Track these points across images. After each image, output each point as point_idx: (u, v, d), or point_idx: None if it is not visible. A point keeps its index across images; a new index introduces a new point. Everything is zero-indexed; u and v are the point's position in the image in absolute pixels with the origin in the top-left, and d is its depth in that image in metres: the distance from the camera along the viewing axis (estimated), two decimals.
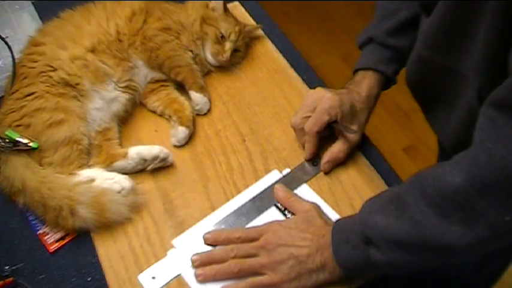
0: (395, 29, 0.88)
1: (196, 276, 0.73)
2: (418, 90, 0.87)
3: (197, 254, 0.75)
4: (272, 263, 0.69)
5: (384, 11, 0.91)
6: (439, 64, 0.74)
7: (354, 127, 0.84)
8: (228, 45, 0.99)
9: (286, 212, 0.80)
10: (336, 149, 0.85)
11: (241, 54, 1.03)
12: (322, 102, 0.83)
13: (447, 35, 0.69)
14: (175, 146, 0.91)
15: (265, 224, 0.75)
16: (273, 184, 0.84)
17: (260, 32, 1.09)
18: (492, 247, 0.62)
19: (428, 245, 0.60)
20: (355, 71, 0.91)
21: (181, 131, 0.90)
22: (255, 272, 0.71)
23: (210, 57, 1.00)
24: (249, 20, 1.12)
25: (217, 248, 0.75)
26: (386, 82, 0.90)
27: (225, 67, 1.02)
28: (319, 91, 0.85)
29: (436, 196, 0.59)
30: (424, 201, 0.60)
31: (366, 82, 0.88)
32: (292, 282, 0.69)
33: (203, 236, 0.77)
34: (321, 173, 0.86)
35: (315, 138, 0.84)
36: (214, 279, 0.72)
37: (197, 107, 0.95)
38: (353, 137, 0.84)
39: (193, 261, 0.74)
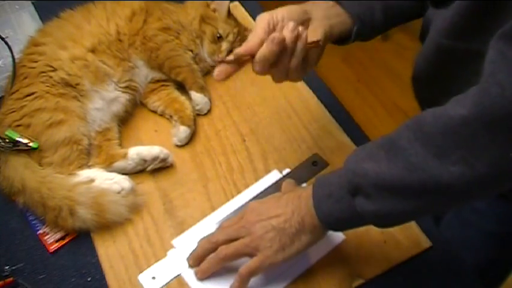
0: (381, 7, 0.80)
1: (195, 275, 0.73)
2: (431, 84, 0.79)
3: (190, 253, 0.75)
4: (254, 241, 0.68)
5: None
6: (463, 50, 0.69)
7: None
8: (224, 46, 0.99)
9: None
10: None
11: None
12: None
13: (473, 18, 0.64)
14: (175, 146, 0.91)
15: (244, 206, 0.74)
16: (273, 184, 0.84)
17: None
18: (492, 189, 0.59)
19: (424, 188, 0.57)
20: None
21: (183, 131, 0.90)
22: (242, 254, 0.70)
23: (206, 57, 1.00)
24: (249, 20, 1.12)
25: (201, 239, 0.75)
26: (347, 33, 0.79)
27: None
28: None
29: (435, 134, 0.56)
30: (420, 141, 0.57)
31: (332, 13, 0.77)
32: (277, 254, 0.67)
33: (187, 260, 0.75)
34: (321, 173, 0.86)
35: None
36: (209, 271, 0.72)
37: (197, 107, 0.95)
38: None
39: (188, 262, 0.74)
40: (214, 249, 0.72)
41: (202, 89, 0.96)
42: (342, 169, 0.65)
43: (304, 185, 0.84)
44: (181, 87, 0.98)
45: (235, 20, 1.02)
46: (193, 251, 0.74)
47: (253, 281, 0.71)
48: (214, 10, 1.01)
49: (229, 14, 1.01)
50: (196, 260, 0.74)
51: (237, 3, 1.16)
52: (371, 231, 0.73)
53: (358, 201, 0.62)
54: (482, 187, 0.58)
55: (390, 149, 0.60)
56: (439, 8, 0.72)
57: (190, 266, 0.74)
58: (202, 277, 0.73)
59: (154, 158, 0.85)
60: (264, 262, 0.68)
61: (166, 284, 0.74)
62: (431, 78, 0.77)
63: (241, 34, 1.01)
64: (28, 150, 0.82)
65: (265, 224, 0.68)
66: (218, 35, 0.99)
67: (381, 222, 0.64)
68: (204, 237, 0.74)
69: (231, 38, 0.99)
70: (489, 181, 0.56)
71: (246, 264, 0.69)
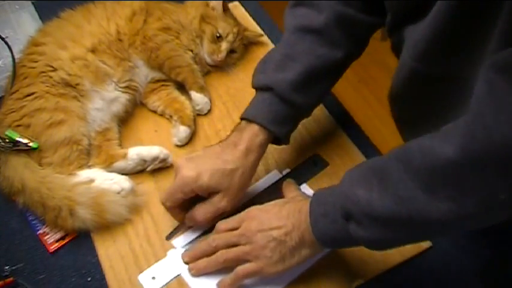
0: (302, 81, 0.76)
1: (189, 270, 0.73)
2: (407, 106, 0.75)
3: (186, 250, 0.75)
4: (255, 250, 0.69)
5: (289, 49, 0.77)
6: (439, 75, 0.64)
7: (219, 195, 0.74)
8: (224, 45, 0.99)
9: None
10: (197, 211, 0.75)
11: (237, 55, 1.03)
12: (177, 178, 0.74)
13: (451, 40, 0.59)
14: (175, 146, 0.91)
15: (245, 211, 0.74)
16: (273, 184, 0.84)
17: (264, 39, 1.08)
18: (482, 224, 0.59)
19: (413, 222, 0.58)
20: (243, 118, 0.78)
21: (183, 130, 0.90)
22: (241, 260, 0.70)
23: (205, 56, 1.00)
24: (249, 20, 1.12)
25: (201, 240, 0.75)
26: (276, 141, 0.80)
27: (221, 67, 1.02)
28: (180, 163, 0.74)
29: (423, 170, 0.55)
30: (410, 175, 0.56)
31: (249, 137, 0.75)
32: (277, 265, 0.68)
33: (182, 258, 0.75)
34: (321, 173, 0.86)
35: (175, 210, 0.77)
36: (205, 271, 0.73)
37: (198, 107, 0.95)
38: (218, 201, 0.74)
39: (183, 258, 0.75)
40: (212, 252, 0.72)
41: (202, 89, 0.96)
42: (337, 187, 0.66)
43: (304, 185, 0.84)
44: (182, 87, 0.98)
45: (234, 19, 1.02)
46: (190, 249, 0.75)
47: (252, 281, 0.72)
48: (213, 9, 1.01)
49: (227, 12, 1.01)
50: (192, 259, 0.74)
51: (237, 3, 1.16)
52: None
53: (352, 226, 0.63)
54: (471, 223, 0.58)
55: (382, 179, 0.60)
56: (408, 24, 0.66)
57: (185, 262, 0.74)
58: (196, 274, 0.73)
59: (154, 158, 0.85)
60: (263, 270, 0.69)
61: (166, 284, 0.74)
62: (407, 100, 0.73)
63: (241, 34, 1.01)
64: (28, 150, 0.82)
65: (267, 234, 0.69)
66: (218, 35, 0.99)
67: (375, 247, 0.65)
68: (203, 239, 0.75)
69: (230, 38, 0.99)
70: (478, 218, 0.56)
71: (244, 265, 0.70)
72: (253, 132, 0.76)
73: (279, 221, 0.69)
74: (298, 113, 0.79)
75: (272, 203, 0.74)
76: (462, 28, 0.57)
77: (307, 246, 0.68)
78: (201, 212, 0.75)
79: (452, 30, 0.58)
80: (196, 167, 0.73)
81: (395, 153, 0.60)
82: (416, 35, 0.62)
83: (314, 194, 0.69)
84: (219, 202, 0.74)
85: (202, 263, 0.73)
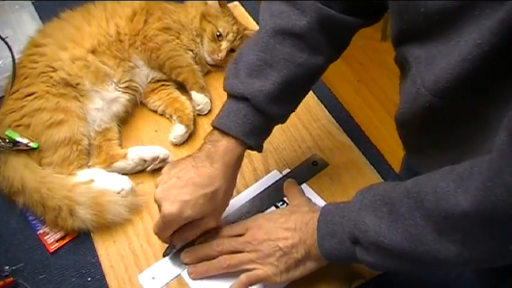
0: (280, 92, 0.70)
1: (189, 273, 0.73)
2: (418, 134, 0.70)
3: (186, 250, 0.75)
4: (260, 258, 0.69)
5: (267, 53, 0.71)
6: (457, 110, 0.58)
7: (206, 218, 0.72)
8: (224, 44, 0.99)
9: None
10: (187, 233, 0.73)
11: None
12: (160, 216, 0.70)
13: (477, 81, 0.53)
14: (175, 146, 0.91)
15: (251, 219, 0.74)
16: (273, 184, 0.84)
17: None
18: (487, 266, 0.60)
19: (419, 257, 0.58)
20: (216, 128, 0.73)
21: (180, 129, 0.90)
22: (245, 267, 0.70)
23: (205, 55, 1.00)
24: (249, 20, 1.12)
25: (205, 243, 0.75)
26: (250, 149, 0.76)
27: (222, 66, 1.02)
28: (158, 195, 0.70)
29: (435, 212, 0.55)
30: (421, 213, 0.56)
31: (225, 152, 0.71)
32: (282, 275, 0.69)
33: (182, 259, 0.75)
34: (321, 173, 0.86)
35: (168, 239, 0.74)
36: (204, 275, 0.73)
37: (198, 107, 0.95)
38: (206, 223, 0.72)
39: (182, 258, 0.75)
40: (215, 257, 0.72)
41: (203, 89, 0.96)
42: (347, 208, 0.64)
43: (304, 185, 0.84)
44: (182, 87, 0.98)
45: (234, 18, 1.02)
46: (192, 249, 0.75)
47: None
48: (211, 7, 1.01)
49: (226, 10, 1.01)
50: (193, 259, 0.74)
51: (237, 3, 1.16)
52: None
53: (358, 250, 0.63)
54: (479, 266, 0.59)
55: (392, 211, 0.59)
56: (413, 43, 0.60)
57: (185, 263, 0.74)
58: (195, 278, 0.73)
59: (154, 158, 0.85)
60: (267, 278, 0.69)
61: (166, 284, 0.74)
62: (418, 128, 0.67)
63: (241, 33, 1.02)
64: (28, 150, 0.82)
65: (273, 244, 0.69)
66: (218, 33, 0.99)
67: (380, 270, 0.66)
68: (205, 240, 0.75)
69: (230, 37, 0.99)
70: (486, 263, 0.57)
71: (249, 273, 0.70)
72: (228, 146, 0.71)
73: (286, 232, 0.69)
74: (273, 122, 0.76)
75: (278, 211, 0.74)
76: (494, 69, 0.52)
77: (313, 259, 0.68)
78: (192, 233, 0.73)
79: (484, 72, 0.52)
80: (176, 200, 0.68)
81: (406, 188, 0.59)
82: (438, 70, 0.56)
83: (322, 211, 0.69)
84: (207, 223, 0.72)
85: (202, 267, 0.72)
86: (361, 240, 0.62)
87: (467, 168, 0.53)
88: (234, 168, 0.73)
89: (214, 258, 0.72)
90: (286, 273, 0.69)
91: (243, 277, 0.69)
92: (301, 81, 0.73)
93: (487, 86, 0.54)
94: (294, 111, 0.77)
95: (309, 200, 0.78)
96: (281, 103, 0.72)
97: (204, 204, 0.69)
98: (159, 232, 0.72)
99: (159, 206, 0.70)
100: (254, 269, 0.69)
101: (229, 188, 0.73)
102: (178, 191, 0.69)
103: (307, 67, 0.72)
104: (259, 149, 0.75)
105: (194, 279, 0.73)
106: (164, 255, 0.76)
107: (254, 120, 0.71)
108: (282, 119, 0.76)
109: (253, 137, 0.72)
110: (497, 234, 0.52)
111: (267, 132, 0.76)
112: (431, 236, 0.55)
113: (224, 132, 0.71)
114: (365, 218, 0.61)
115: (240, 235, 0.72)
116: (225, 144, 0.71)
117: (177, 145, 0.91)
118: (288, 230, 0.69)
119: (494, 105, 0.54)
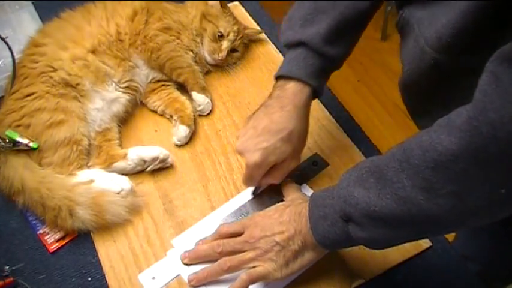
0: (333, 32, 0.76)
1: (189, 281, 0.73)
2: (423, 95, 0.73)
3: (186, 251, 0.75)
4: (259, 255, 0.69)
5: (315, 2, 0.78)
6: (462, 67, 0.62)
7: (287, 160, 0.77)
8: (225, 44, 0.99)
9: None
10: (273, 176, 0.79)
11: (238, 54, 1.03)
12: (246, 166, 0.76)
13: (478, 35, 0.57)
14: (175, 146, 0.91)
15: (248, 218, 0.75)
16: (273, 184, 0.84)
17: (263, 36, 1.08)
18: (484, 219, 0.58)
19: (414, 220, 0.57)
20: (280, 77, 0.79)
21: (183, 130, 0.90)
22: (245, 266, 0.70)
23: (206, 55, 1.00)
24: (249, 20, 1.12)
25: (204, 244, 0.75)
26: (313, 94, 0.80)
27: (222, 66, 1.02)
28: (241, 147, 0.76)
29: (423, 167, 0.54)
30: (406, 173, 0.56)
31: (294, 94, 0.77)
32: (281, 269, 0.69)
33: (181, 257, 0.76)
34: (321, 173, 0.86)
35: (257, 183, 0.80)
36: (206, 281, 0.72)
37: (199, 108, 0.95)
38: (288, 164, 0.78)
39: (182, 259, 0.75)
40: (214, 257, 0.72)
41: (203, 90, 0.96)
42: (335, 188, 0.65)
43: (304, 185, 0.84)
44: (182, 87, 0.98)
45: (234, 17, 1.02)
46: (192, 251, 0.75)
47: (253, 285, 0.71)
48: (212, 7, 1.01)
49: (227, 10, 1.01)
50: (193, 261, 0.74)
51: (237, 3, 1.16)
52: None
53: (351, 228, 0.63)
54: (472, 219, 0.57)
55: (379, 178, 0.59)
56: (424, 6, 0.64)
57: (185, 263, 0.74)
58: (197, 284, 0.72)
59: (154, 159, 0.85)
60: (267, 275, 0.69)
61: (166, 284, 0.74)
62: (422, 89, 0.71)
63: (242, 32, 1.02)
64: (28, 150, 0.82)
65: (270, 240, 0.69)
66: (219, 33, 0.99)
67: (375, 246, 0.65)
68: (205, 240, 0.75)
69: (231, 36, 0.99)
70: (479, 214, 0.56)
71: (249, 271, 0.70)
72: (295, 88, 0.77)
73: (281, 226, 0.69)
74: (331, 65, 0.80)
75: (273, 207, 0.74)
76: (494, 21, 0.55)
77: (310, 249, 0.68)
78: (277, 176, 0.79)
79: (484, 24, 0.55)
80: (256, 149, 0.74)
81: (392, 152, 0.59)
82: (440, 27, 0.60)
83: (312, 196, 0.69)
84: (289, 164, 0.78)
85: (203, 274, 0.72)
86: (353, 216, 0.61)
87: (450, 118, 0.53)
88: (304, 109, 0.77)
89: (214, 258, 0.72)
90: (285, 267, 0.69)
91: (244, 275, 0.69)
92: (350, 23, 0.77)
93: (488, 38, 0.55)
94: (347, 55, 0.81)
95: (305, 195, 0.78)
96: (335, 44, 0.77)
97: (282, 148, 0.75)
98: (248, 181, 0.79)
99: (244, 158, 0.76)
100: (254, 266, 0.70)
101: (303, 128, 0.78)
102: (256, 140, 0.75)
103: (354, 10, 0.76)
104: (321, 91, 0.80)
105: (195, 286, 0.72)
106: (253, 194, 0.83)
107: (313, 62, 0.77)
108: (338, 63, 0.80)
109: (315, 79, 0.77)
110: (488, 175, 0.51)
111: (326, 75, 0.80)
112: (421, 195, 0.55)
113: (289, 78, 0.77)
114: (353, 192, 0.61)
115: (239, 234, 0.72)
116: (292, 87, 0.77)
117: (177, 145, 0.91)
118: (282, 224, 0.69)
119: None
